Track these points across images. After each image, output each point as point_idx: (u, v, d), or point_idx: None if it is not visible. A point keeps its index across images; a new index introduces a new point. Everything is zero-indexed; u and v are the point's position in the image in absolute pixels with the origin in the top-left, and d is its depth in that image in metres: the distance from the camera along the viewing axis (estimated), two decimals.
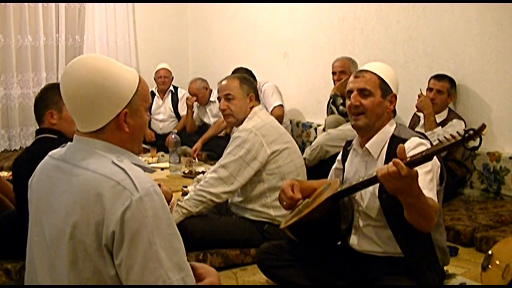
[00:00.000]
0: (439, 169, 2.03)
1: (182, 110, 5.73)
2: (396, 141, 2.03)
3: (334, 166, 2.40)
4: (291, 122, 5.12)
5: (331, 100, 4.21)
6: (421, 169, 1.79)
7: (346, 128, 3.74)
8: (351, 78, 2.18)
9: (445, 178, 2.06)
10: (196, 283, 1.38)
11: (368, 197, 2.10)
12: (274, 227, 2.78)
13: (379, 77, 2.11)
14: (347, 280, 2.22)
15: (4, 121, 5.73)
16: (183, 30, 6.86)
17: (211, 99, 5.52)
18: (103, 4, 6.19)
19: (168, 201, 2.53)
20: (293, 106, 5.30)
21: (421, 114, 3.77)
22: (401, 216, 1.85)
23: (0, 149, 5.71)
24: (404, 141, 1.98)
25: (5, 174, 4.30)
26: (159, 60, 6.09)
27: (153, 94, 5.81)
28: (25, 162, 2.38)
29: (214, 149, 4.91)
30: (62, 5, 5.92)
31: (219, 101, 2.99)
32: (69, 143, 1.46)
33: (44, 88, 2.58)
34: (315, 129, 4.86)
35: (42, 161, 1.50)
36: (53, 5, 5.86)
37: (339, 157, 2.37)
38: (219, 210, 3.03)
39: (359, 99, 2.10)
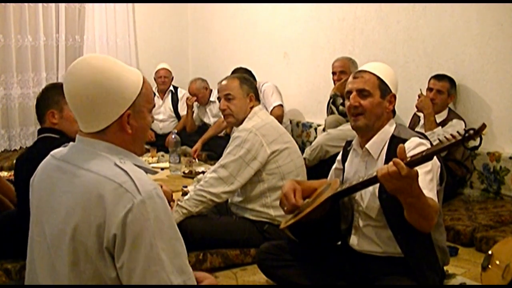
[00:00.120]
0: (439, 169, 2.03)
1: (182, 110, 5.73)
2: (396, 141, 2.02)
3: (334, 166, 2.40)
4: (291, 122, 5.11)
5: (331, 100, 4.21)
6: (421, 169, 1.78)
7: (346, 128, 3.74)
8: (350, 78, 2.18)
9: (445, 178, 2.06)
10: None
11: (368, 197, 2.10)
12: (274, 227, 2.78)
13: (378, 77, 2.11)
14: (347, 280, 2.22)
15: (4, 121, 5.73)
16: (183, 30, 6.86)
17: (211, 99, 5.52)
18: (103, 4, 6.19)
19: (169, 201, 2.53)
20: (293, 106, 5.30)
21: (421, 114, 3.77)
22: (401, 216, 1.85)
23: (0, 149, 5.70)
24: (404, 141, 1.98)
25: (5, 174, 4.30)
26: (159, 60, 6.09)
27: (153, 94, 5.80)
28: (26, 161, 2.38)
29: (214, 149, 4.90)
30: (62, 5, 5.92)
31: (219, 101, 2.99)
32: (71, 143, 1.45)
33: (45, 88, 2.60)
34: (315, 129, 4.86)
35: (44, 161, 1.49)
36: (53, 5, 5.86)
37: (339, 157, 2.37)
38: (219, 210, 3.03)
39: (358, 99, 2.10)
